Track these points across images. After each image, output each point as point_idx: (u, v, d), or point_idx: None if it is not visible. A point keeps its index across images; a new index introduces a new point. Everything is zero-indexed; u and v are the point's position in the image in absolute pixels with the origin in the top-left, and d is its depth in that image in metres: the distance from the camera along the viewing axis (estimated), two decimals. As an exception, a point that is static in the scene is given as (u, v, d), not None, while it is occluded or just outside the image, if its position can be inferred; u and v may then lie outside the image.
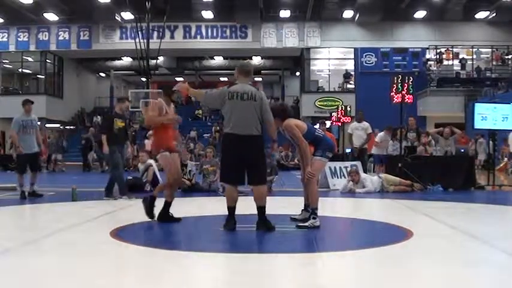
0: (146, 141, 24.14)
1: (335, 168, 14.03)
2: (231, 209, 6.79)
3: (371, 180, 13.07)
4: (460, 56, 34.31)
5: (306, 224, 6.89)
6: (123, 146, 11.28)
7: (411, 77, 15.06)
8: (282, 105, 7.77)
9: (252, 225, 6.76)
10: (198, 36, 35.96)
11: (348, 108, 25.25)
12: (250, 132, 6.68)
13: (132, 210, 8.83)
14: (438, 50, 34.29)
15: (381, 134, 16.23)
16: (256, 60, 40.01)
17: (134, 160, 22.11)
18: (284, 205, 8.06)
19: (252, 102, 6.73)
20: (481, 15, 33.77)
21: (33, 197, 11.26)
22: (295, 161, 20.84)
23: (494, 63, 34.44)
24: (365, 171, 14.65)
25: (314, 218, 6.90)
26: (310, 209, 7.05)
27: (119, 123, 11.11)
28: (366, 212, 9.96)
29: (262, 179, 6.90)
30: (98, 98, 44.02)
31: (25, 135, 11.45)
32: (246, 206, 7.10)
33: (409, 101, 14.65)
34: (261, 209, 6.75)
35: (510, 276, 4.63)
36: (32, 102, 11.93)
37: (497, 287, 4.26)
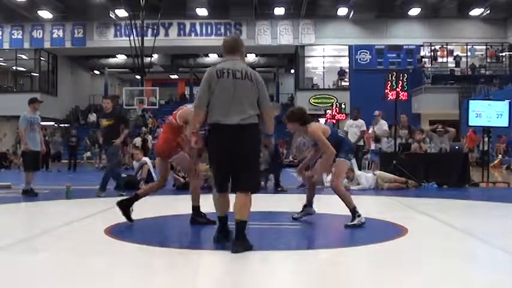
0: (137, 139, 24.04)
1: (330, 165, 14.00)
2: (223, 219, 5.69)
3: (365, 177, 13.08)
4: (455, 53, 34.46)
5: (354, 222, 6.85)
6: (105, 144, 11.38)
7: (405, 74, 15.06)
8: (301, 109, 7.32)
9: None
10: (193, 34, 35.95)
11: (343, 106, 25.33)
12: (245, 121, 5.30)
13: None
14: (433, 47, 34.41)
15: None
16: (251, 58, 40.05)
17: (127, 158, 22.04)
18: (280, 202, 8.07)
19: (248, 82, 5.38)
20: (476, 12, 33.87)
21: (31, 195, 11.16)
22: (290, 158, 20.80)
23: (488, 60, 34.61)
24: (359, 169, 14.65)
25: (359, 216, 6.89)
26: (350, 210, 6.98)
27: (103, 123, 11.33)
28: (360, 209, 9.95)
29: (252, 185, 5.43)
30: (92, 95, 43.95)
31: (32, 132, 11.47)
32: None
33: (403, 98, 14.66)
34: (242, 224, 5.31)
35: (507, 273, 4.63)
36: (41, 101, 12.04)
37: (494, 285, 4.26)
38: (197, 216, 7.06)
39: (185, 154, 7.21)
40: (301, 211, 7.45)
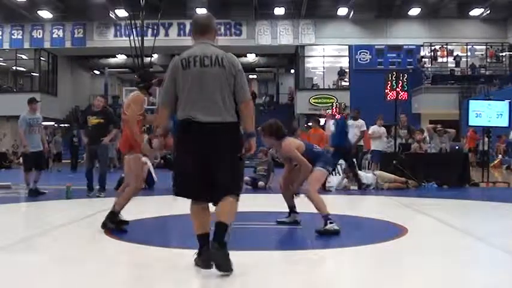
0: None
1: (330, 165, 13.99)
2: (203, 237, 4.57)
3: (365, 177, 13.08)
4: (455, 53, 34.45)
5: (326, 227, 6.38)
6: (94, 143, 11.12)
7: (405, 74, 15.07)
8: (276, 123, 6.80)
9: (247, 222, 6.73)
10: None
11: (343, 106, 25.24)
12: (219, 118, 4.38)
13: (126, 208, 8.80)
14: (433, 47, 34.39)
15: (373, 126, 16.18)
16: (251, 58, 40.05)
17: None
18: (281, 202, 8.01)
19: (219, 70, 4.43)
20: (475, 12, 33.85)
21: (35, 195, 11.15)
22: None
23: (488, 60, 34.62)
24: (359, 169, 14.66)
25: (331, 223, 6.42)
26: (322, 217, 6.53)
27: (91, 121, 11.17)
28: (360, 209, 9.97)
29: (233, 188, 4.51)
30: (92, 95, 43.86)
31: (31, 133, 11.46)
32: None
33: (403, 98, 14.66)
34: (222, 227, 4.40)
35: (506, 273, 4.63)
36: (38, 101, 11.97)
37: (494, 285, 4.26)
38: (111, 221, 6.54)
39: (140, 156, 6.73)
40: (287, 217, 7.23)
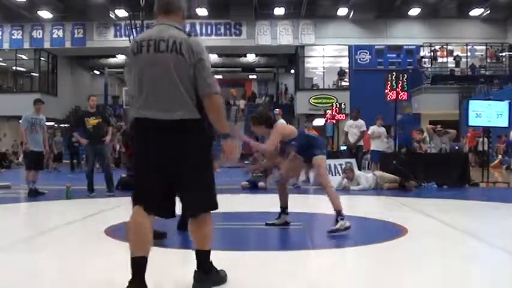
0: None
1: (329, 165, 14.00)
2: (138, 262, 3.65)
3: (365, 177, 13.08)
4: (455, 54, 34.43)
5: (337, 226, 6.29)
6: (97, 144, 11.19)
7: (405, 74, 15.06)
8: (267, 112, 6.79)
9: (248, 222, 6.72)
10: (192, 34, 35.81)
11: (343, 106, 25.24)
12: (176, 115, 3.61)
13: (126, 209, 8.81)
14: (432, 48, 34.37)
15: (373, 126, 16.17)
16: (251, 58, 40.02)
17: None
18: (276, 202, 8.02)
19: (176, 57, 3.64)
20: (475, 12, 33.83)
21: (35, 195, 11.17)
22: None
23: (488, 60, 34.62)
24: (359, 169, 14.66)
25: (342, 219, 6.36)
26: (334, 212, 6.48)
27: (90, 122, 11.24)
28: (360, 209, 9.96)
29: (205, 203, 3.84)
30: (92, 95, 43.79)
31: (33, 133, 11.56)
32: (239, 202, 7.05)
33: (403, 99, 14.66)
34: (204, 253, 4.03)
35: (507, 273, 4.63)
36: (43, 102, 12.14)
37: (495, 285, 4.26)
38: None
39: None
40: (278, 218, 7.11)
